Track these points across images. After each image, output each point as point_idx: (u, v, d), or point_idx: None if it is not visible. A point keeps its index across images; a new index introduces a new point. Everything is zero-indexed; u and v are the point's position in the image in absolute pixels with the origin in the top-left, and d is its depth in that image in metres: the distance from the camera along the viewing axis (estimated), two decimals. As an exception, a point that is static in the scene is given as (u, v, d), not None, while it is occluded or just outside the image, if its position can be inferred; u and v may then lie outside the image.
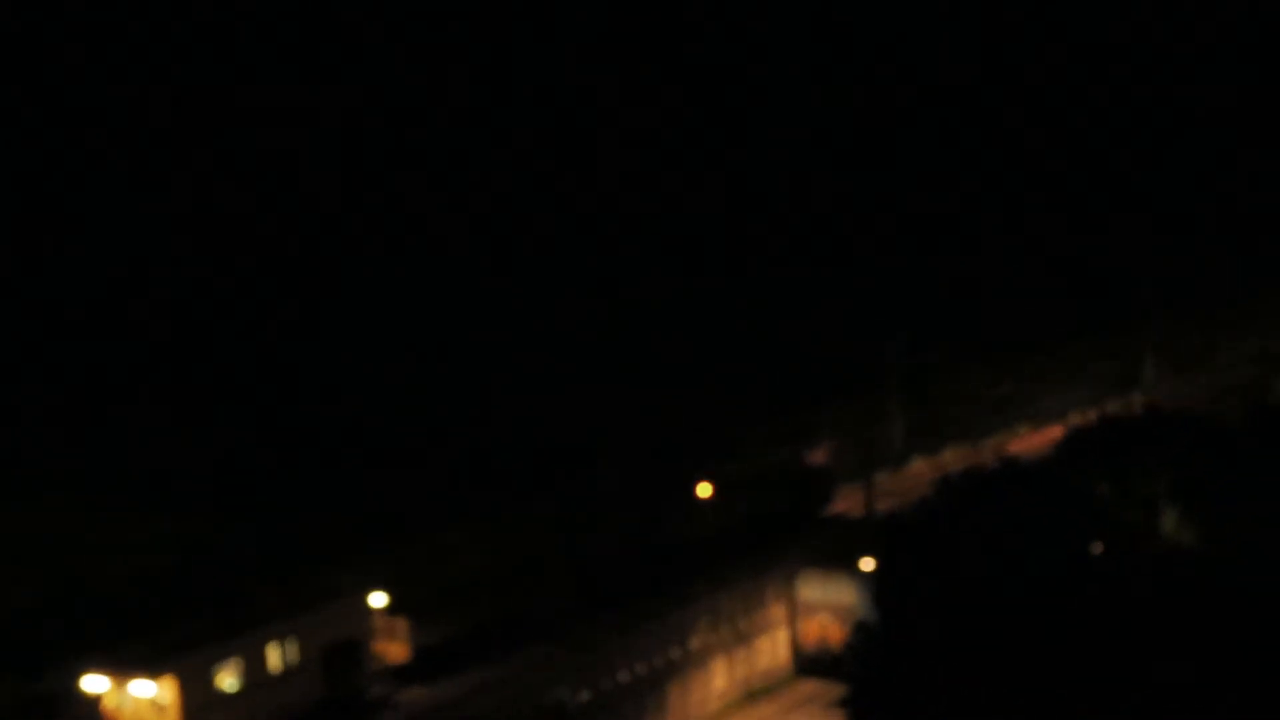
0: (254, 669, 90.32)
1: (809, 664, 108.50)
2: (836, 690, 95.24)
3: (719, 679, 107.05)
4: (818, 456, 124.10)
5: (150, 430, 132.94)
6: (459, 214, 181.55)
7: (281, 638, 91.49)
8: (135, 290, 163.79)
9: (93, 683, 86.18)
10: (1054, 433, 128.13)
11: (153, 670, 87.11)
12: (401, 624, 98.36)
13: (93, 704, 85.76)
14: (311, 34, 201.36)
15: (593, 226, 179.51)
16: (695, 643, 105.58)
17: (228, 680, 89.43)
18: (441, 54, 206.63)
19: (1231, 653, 79.13)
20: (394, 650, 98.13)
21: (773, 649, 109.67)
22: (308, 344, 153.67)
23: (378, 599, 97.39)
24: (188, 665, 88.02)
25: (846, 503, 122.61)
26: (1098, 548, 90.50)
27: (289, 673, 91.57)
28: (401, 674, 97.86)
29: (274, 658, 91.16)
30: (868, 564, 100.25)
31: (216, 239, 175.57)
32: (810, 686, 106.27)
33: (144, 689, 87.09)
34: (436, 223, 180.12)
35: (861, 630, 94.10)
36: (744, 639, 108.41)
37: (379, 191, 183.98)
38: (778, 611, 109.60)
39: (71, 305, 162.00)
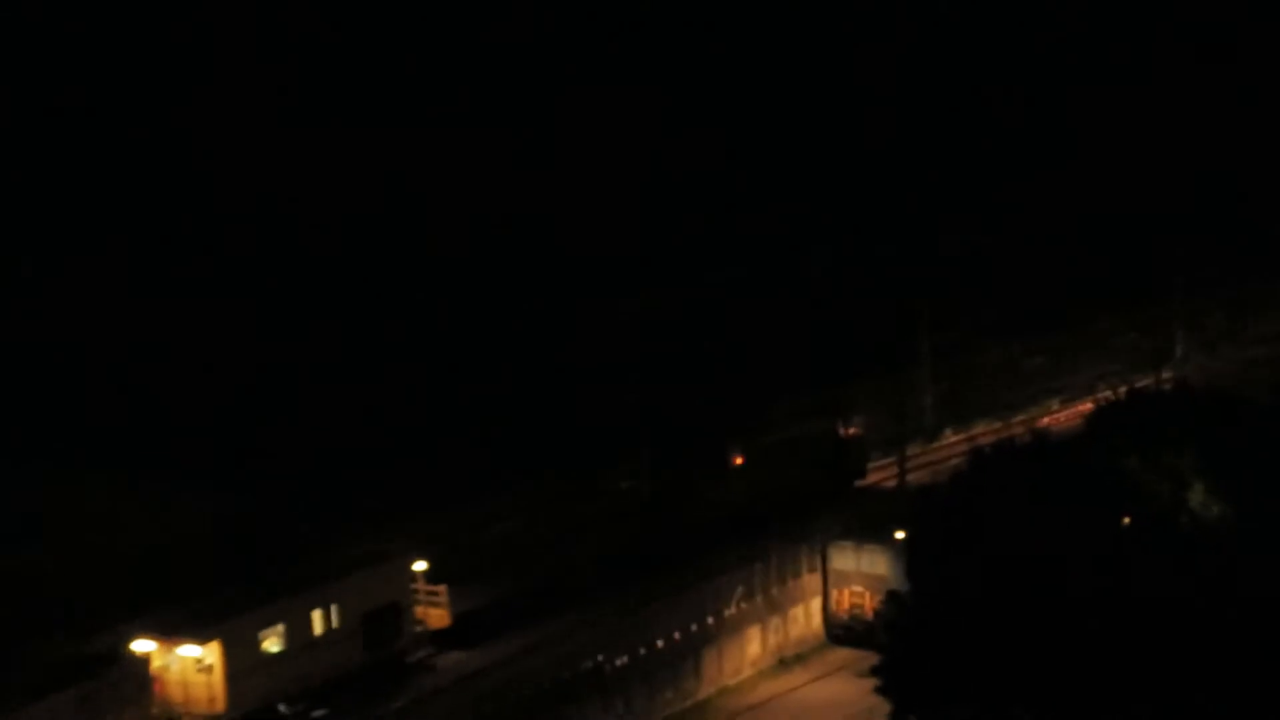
0: (297, 633, 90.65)
1: (841, 633, 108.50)
2: (868, 659, 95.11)
3: (753, 646, 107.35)
4: (851, 429, 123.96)
5: (194, 406, 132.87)
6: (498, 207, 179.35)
7: (324, 603, 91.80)
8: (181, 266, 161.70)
9: (140, 646, 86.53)
10: (1084, 407, 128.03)
11: (199, 634, 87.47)
12: (442, 590, 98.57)
13: (141, 665, 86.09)
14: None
15: (624, 215, 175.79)
16: (730, 611, 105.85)
17: (272, 643, 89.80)
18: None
19: (1260, 625, 79.03)
20: (434, 615, 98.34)
21: (806, 618, 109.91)
22: (352, 321, 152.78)
23: (419, 565, 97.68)
24: (232, 629, 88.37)
25: (879, 475, 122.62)
26: (1126, 520, 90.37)
27: (331, 636, 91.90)
28: (441, 638, 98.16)
29: (317, 622, 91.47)
30: (900, 535, 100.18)
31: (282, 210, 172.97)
32: (842, 655, 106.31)
33: (190, 652, 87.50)
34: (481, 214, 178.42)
35: (893, 600, 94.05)
36: (778, 608, 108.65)
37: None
38: (811, 581, 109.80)
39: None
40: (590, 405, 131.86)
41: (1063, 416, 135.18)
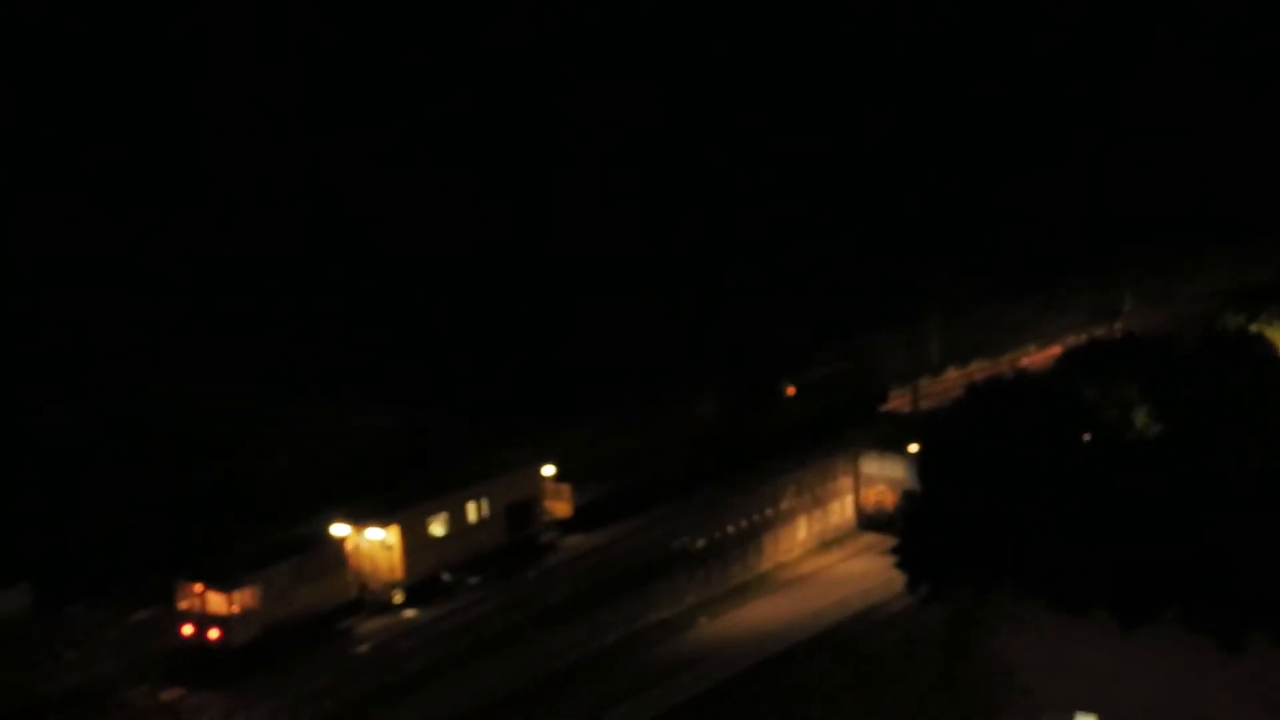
0: (456, 520, 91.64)
1: (868, 521, 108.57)
2: (889, 542, 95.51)
3: (801, 532, 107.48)
4: (874, 366, 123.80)
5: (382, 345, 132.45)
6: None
7: (477, 497, 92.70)
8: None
9: (338, 529, 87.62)
10: (1054, 351, 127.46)
11: (382, 520, 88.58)
12: (566, 488, 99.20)
13: (338, 544, 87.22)
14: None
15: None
16: (784, 505, 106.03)
17: (437, 528, 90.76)
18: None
19: (1186, 509, 79.07)
20: (559, 508, 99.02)
21: (841, 510, 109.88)
22: (493, 278, 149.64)
23: (548, 469, 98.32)
24: (408, 516, 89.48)
25: (897, 402, 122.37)
26: (1086, 438, 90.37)
27: (481, 523, 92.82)
28: (565, 525, 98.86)
29: (471, 512, 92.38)
30: (914, 448, 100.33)
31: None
32: (869, 539, 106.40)
33: (375, 534, 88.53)
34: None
35: (909, 497, 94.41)
36: (820, 502, 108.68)
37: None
38: (845, 482, 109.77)
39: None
40: (674, 350, 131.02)
41: (1039, 358, 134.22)
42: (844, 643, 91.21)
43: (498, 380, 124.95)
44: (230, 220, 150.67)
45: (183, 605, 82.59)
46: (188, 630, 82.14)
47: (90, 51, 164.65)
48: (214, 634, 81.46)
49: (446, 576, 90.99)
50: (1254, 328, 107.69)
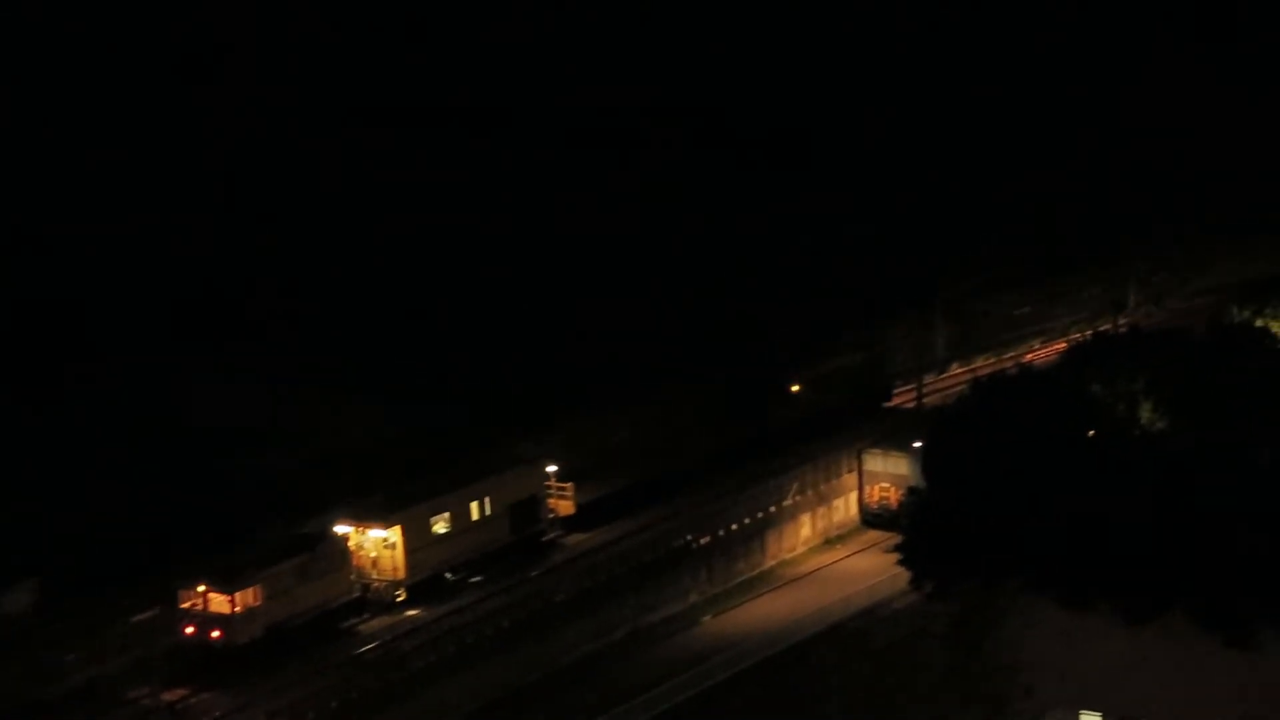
0: (459, 518, 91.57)
1: (872, 519, 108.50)
2: (893, 539, 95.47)
3: (805, 529, 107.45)
4: (879, 361, 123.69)
5: (381, 341, 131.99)
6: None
7: (479, 496, 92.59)
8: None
9: (342, 528, 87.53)
10: (1059, 346, 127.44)
11: (385, 519, 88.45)
12: (569, 486, 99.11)
13: (342, 542, 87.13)
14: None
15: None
16: (788, 501, 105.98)
17: (440, 526, 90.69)
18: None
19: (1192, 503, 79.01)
20: (563, 505, 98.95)
21: (845, 507, 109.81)
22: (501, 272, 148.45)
23: (551, 467, 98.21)
24: (411, 516, 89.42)
25: (902, 398, 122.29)
26: (1091, 433, 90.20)
27: (485, 521, 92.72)
28: (568, 523, 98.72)
29: (474, 510, 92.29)
30: (918, 444, 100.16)
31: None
32: (873, 535, 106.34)
33: (378, 533, 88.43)
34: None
35: (912, 494, 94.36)
36: (824, 499, 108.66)
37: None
38: (849, 479, 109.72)
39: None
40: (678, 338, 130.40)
41: (1043, 353, 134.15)
42: (849, 639, 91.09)
43: (500, 379, 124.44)
44: (229, 220, 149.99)
45: (185, 605, 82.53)
46: (190, 630, 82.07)
47: (90, 51, 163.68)
48: (216, 634, 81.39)
49: (449, 575, 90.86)
50: (1259, 322, 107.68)
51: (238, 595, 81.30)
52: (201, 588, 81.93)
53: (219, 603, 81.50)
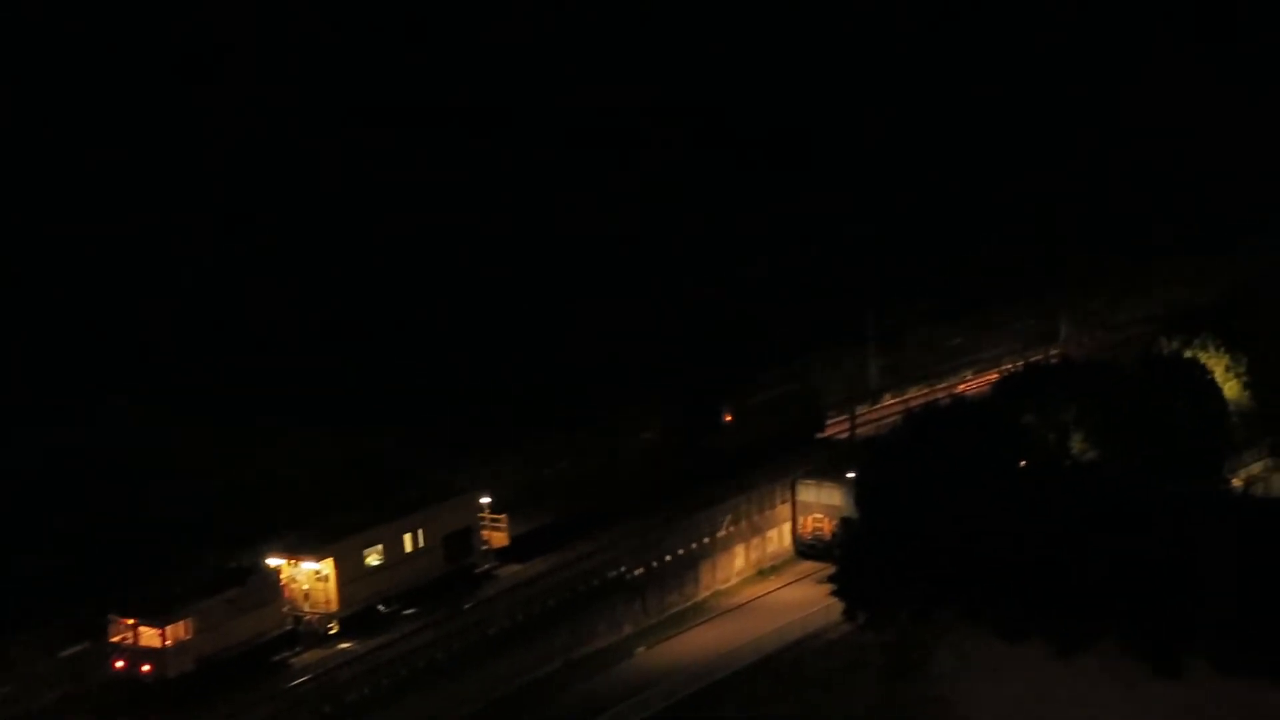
0: (392, 550, 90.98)
1: (806, 549, 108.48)
2: (826, 570, 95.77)
3: (739, 560, 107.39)
4: (813, 392, 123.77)
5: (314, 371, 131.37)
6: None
7: (413, 527, 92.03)
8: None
9: (273, 560, 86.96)
10: (991, 376, 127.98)
11: (317, 552, 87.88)
12: (503, 518, 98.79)
13: (274, 575, 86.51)
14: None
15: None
16: (721, 533, 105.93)
17: (373, 558, 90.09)
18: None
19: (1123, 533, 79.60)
20: (496, 537, 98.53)
21: (779, 538, 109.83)
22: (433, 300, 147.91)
23: (485, 499, 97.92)
24: (343, 548, 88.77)
25: (834, 428, 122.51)
26: (1023, 462, 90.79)
27: (418, 553, 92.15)
28: (502, 554, 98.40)
29: (408, 542, 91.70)
30: (851, 475, 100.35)
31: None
32: (807, 566, 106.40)
33: (311, 565, 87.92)
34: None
35: (846, 525, 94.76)
36: (758, 530, 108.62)
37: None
38: (783, 510, 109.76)
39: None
40: (615, 376, 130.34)
41: (975, 383, 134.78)
42: (783, 670, 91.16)
43: (438, 408, 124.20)
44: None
45: (115, 639, 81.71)
46: (120, 664, 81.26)
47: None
48: (147, 668, 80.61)
49: (382, 608, 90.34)
50: (1188, 353, 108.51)
51: (168, 629, 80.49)
52: (131, 621, 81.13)
53: (149, 636, 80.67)
